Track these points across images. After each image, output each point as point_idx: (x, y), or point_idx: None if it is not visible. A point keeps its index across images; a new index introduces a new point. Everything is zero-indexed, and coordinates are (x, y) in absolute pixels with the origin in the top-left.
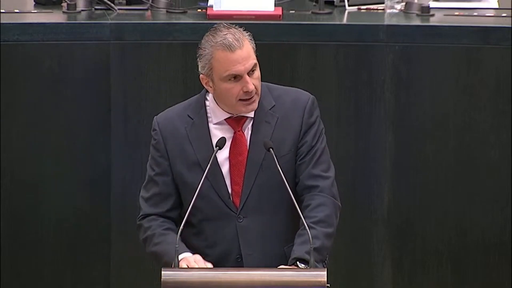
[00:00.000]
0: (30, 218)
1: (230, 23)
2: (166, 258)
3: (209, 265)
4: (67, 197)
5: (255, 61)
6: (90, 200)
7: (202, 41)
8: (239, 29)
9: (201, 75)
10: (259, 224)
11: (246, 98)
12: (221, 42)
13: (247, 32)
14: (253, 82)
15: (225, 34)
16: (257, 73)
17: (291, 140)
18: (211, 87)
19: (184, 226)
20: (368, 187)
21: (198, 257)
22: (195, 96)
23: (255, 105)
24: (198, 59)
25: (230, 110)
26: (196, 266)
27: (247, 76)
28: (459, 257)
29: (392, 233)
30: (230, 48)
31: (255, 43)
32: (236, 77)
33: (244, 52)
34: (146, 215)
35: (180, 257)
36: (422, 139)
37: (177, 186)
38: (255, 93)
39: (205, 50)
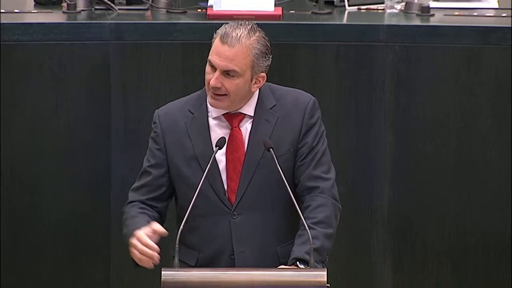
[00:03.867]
0: (30, 218)
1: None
2: (127, 239)
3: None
4: (67, 197)
5: (235, 69)
6: (90, 200)
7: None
8: (258, 39)
9: None
10: (253, 222)
11: (212, 91)
12: (223, 31)
13: (262, 46)
14: (226, 84)
15: (235, 28)
16: (237, 81)
17: (290, 140)
18: None
19: (179, 222)
20: (368, 187)
21: (145, 231)
22: (198, 91)
23: (219, 104)
24: None
25: None
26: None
27: (217, 72)
28: (459, 257)
29: (392, 233)
30: (222, 38)
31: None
32: (213, 66)
33: (230, 52)
34: (130, 202)
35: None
36: (422, 139)
37: (171, 180)
38: (226, 95)
39: (216, 33)
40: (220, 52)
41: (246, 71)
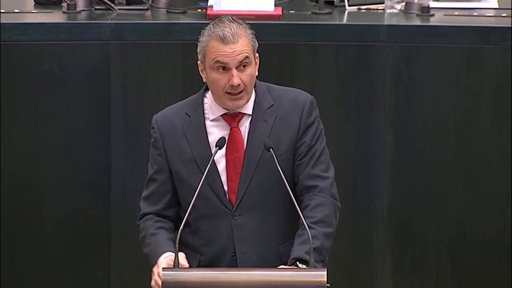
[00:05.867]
0: (30, 218)
1: (234, 17)
2: (152, 261)
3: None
4: (67, 197)
5: (248, 55)
6: (90, 200)
7: (205, 28)
8: (243, 24)
9: (198, 61)
10: (254, 222)
11: (232, 92)
12: (217, 33)
13: (250, 29)
14: (243, 78)
15: (224, 27)
16: (250, 70)
17: (288, 140)
18: (204, 75)
19: (182, 225)
20: (368, 187)
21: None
22: (194, 94)
23: (241, 102)
24: (198, 45)
25: (219, 102)
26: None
27: (234, 70)
28: (459, 257)
29: (392, 233)
30: (223, 40)
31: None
32: (225, 68)
33: (236, 47)
34: (144, 215)
35: (163, 256)
36: (422, 139)
37: (174, 184)
38: (244, 90)
39: (203, 38)
40: (227, 52)
41: (252, 56)
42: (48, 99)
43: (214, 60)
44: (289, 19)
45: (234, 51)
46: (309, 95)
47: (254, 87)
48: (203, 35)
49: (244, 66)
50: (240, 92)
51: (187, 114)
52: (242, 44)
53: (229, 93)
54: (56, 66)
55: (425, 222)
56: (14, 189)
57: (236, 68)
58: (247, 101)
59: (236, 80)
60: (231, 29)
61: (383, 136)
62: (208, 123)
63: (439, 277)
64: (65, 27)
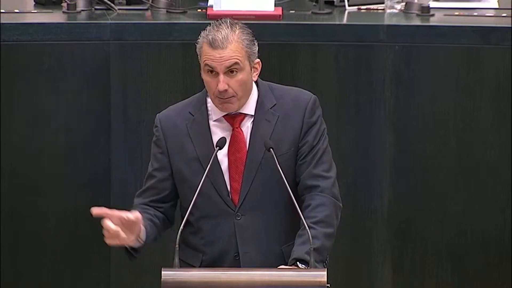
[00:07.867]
0: (30, 218)
1: (237, 21)
2: None
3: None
4: (67, 197)
5: (237, 61)
6: (90, 200)
7: (205, 28)
8: (241, 30)
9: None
10: (257, 222)
11: (220, 97)
12: (209, 36)
13: (247, 35)
14: (231, 84)
15: (217, 31)
16: (240, 76)
17: (291, 139)
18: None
19: (183, 225)
20: (368, 187)
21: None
22: (197, 93)
23: (231, 106)
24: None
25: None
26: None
27: (221, 75)
28: (459, 257)
29: (392, 233)
30: (212, 45)
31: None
32: (213, 72)
33: (225, 53)
34: (134, 206)
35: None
36: (422, 139)
37: (174, 183)
38: (233, 95)
39: (199, 39)
40: (214, 56)
41: (245, 62)
42: (48, 99)
43: (204, 63)
44: (289, 19)
45: (222, 57)
46: (312, 94)
47: (257, 87)
48: (200, 36)
49: (233, 72)
50: (230, 97)
51: (190, 113)
52: (232, 50)
53: (218, 97)
54: (56, 66)
55: (425, 222)
56: (14, 189)
57: (225, 73)
58: (239, 107)
59: (221, 86)
60: (222, 34)
61: (383, 136)
62: (211, 123)
63: (439, 277)
64: (65, 27)
